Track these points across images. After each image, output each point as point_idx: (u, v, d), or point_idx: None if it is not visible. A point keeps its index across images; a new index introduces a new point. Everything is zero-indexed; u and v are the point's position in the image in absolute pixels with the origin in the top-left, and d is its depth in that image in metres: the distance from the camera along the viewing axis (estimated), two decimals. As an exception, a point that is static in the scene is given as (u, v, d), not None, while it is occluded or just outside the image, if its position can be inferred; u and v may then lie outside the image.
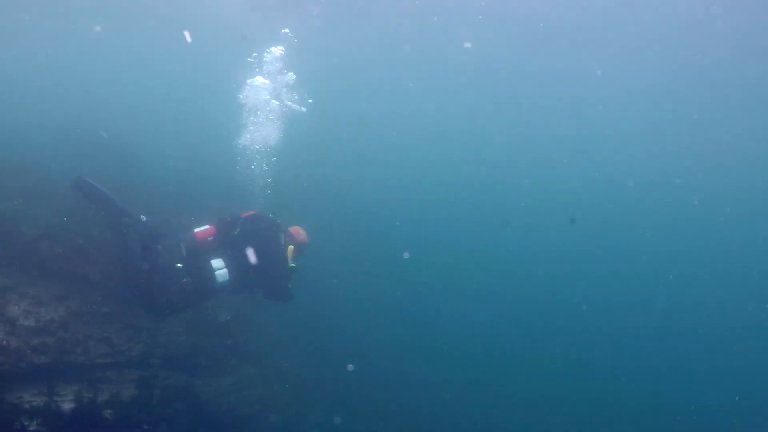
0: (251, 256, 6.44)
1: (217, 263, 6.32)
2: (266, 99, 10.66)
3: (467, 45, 19.19)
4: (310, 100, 11.37)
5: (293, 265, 6.88)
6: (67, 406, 6.33)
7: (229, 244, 6.50)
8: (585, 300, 18.00)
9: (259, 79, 10.76)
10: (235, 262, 6.40)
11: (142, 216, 6.41)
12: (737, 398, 15.30)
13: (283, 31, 11.71)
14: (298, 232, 7.23)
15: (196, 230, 6.69)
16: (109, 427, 6.64)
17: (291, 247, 6.91)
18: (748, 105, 21.95)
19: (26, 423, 5.85)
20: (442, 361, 14.91)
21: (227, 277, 6.34)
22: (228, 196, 11.79)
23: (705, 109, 22.59)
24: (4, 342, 6.13)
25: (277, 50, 10.80)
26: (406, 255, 14.03)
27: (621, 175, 23.76)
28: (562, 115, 24.68)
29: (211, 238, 6.54)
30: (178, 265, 6.52)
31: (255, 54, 10.99)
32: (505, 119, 25.01)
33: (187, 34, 17.37)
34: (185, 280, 6.39)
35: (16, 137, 11.45)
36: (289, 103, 11.02)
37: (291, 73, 10.96)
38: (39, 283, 7.32)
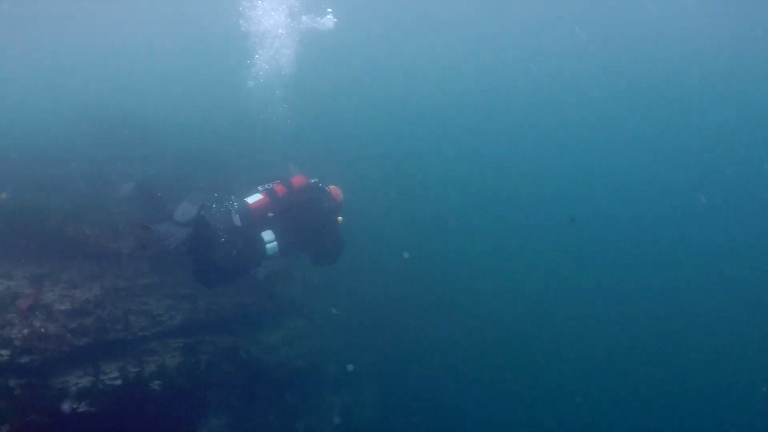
0: (305, 231, 6.66)
1: (268, 236, 6.41)
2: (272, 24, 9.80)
3: None
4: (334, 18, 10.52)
5: (341, 218, 7.12)
6: (113, 383, 6.35)
7: (281, 216, 6.59)
8: (585, 300, 18.15)
9: None
10: (287, 234, 6.50)
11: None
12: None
13: None
14: (338, 193, 7.22)
15: (249, 201, 6.65)
16: (160, 398, 6.66)
17: (340, 218, 7.09)
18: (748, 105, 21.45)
19: (75, 405, 5.88)
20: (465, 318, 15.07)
21: (276, 250, 6.46)
22: (252, 154, 11.65)
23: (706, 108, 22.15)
24: (43, 329, 6.13)
25: None
26: (405, 255, 13.76)
27: (621, 174, 23.39)
28: (563, 113, 24.22)
29: (264, 208, 6.58)
30: (226, 236, 6.49)
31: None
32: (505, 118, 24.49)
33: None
34: (234, 251, 6.37)
35: (33, 128, 11.42)
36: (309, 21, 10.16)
37: None
38: (71, 266, 7.32)
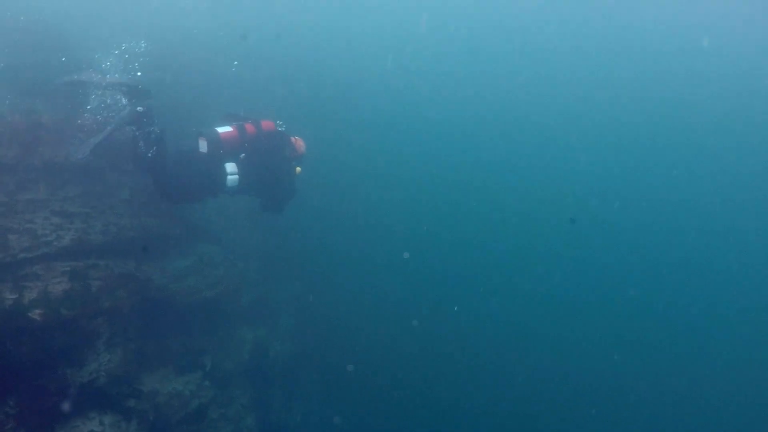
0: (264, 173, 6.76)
1: (230, 167, 6.50)
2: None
3: None
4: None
5: (299, 169, 7.24)
6: (-17, 311, 5.44)
7: (245, 153, 6.69)
8: (585, 300, 18.06)
9: None
10: (247, 171, 6.61)
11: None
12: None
13: None
14: (300, 144, 7.32)
15: (219, 130, 6.64)
16: (40, 329, 5.79)
17: (298, 169, 7.18)
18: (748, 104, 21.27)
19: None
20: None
21: (236, 183, 6.55)
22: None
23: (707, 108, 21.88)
24: None
25: None
26: (406, 255, 14.03)
27: (622, 173, 23.10)
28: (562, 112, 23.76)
29: (231, 141, 6.63)
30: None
31: None
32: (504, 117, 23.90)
33: None
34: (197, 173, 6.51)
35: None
36: None
37: None
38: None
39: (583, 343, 16.02)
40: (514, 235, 19.47)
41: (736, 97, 22.34)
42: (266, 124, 6.99)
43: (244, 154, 6.63)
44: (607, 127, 23.74)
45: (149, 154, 6.11)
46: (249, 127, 6.80)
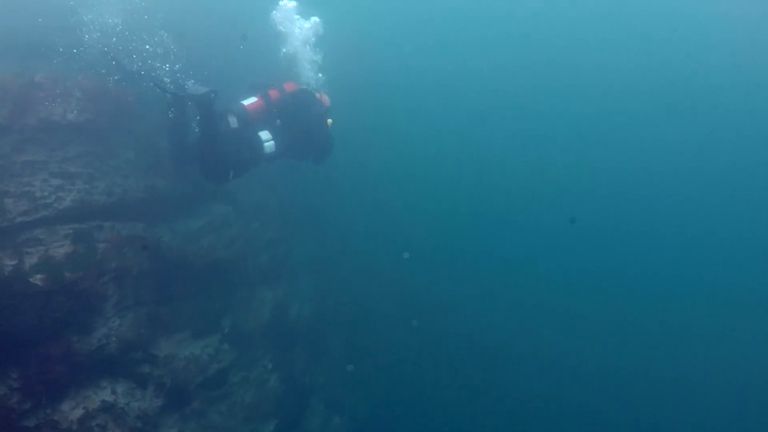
0: (298, 131, 6.99)
1: (265, 135, 6.64)
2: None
3: None
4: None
5: (330, 120, 7.46)
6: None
7: (276, 117, 6.89)
8: (585, 300, 17.84)
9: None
10: (282, 133, 6.78)
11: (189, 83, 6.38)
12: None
13: None
14: (325, 98, 7.53)
15: (245, 103, 6.79)
16: (43, 295, 5.45)
17: (330, 121, 7.40)
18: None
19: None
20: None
21: (274, 148, 6.69)
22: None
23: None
24: None
25: None
26: (406, 255, 13.76)
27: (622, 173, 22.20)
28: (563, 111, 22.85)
29: (259, 110, 6.79)
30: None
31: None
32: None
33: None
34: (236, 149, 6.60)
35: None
36: None
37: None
38: None
39: (583, 343, 16.03)
40: (514, 235, 19.44)
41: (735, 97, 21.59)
42: (289, 86, 7.16)
43: (279, 120, 6.84)
44: (607, 126, 23.13)
45: (208, 136, 6.17)
46: (273, 93, 6.97)
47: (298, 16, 8.50)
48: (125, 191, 7.37)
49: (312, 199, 12.64)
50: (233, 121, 6.55)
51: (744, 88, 21.04)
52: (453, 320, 14.61)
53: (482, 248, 18.02)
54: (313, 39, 8.47)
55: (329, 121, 7.44)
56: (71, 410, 5.65)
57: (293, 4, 8.51)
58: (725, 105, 21.66)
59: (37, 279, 5.45)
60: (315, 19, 8.54)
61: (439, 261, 15.81)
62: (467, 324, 14.73)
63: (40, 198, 6.17)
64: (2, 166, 6.25)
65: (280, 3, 8.50)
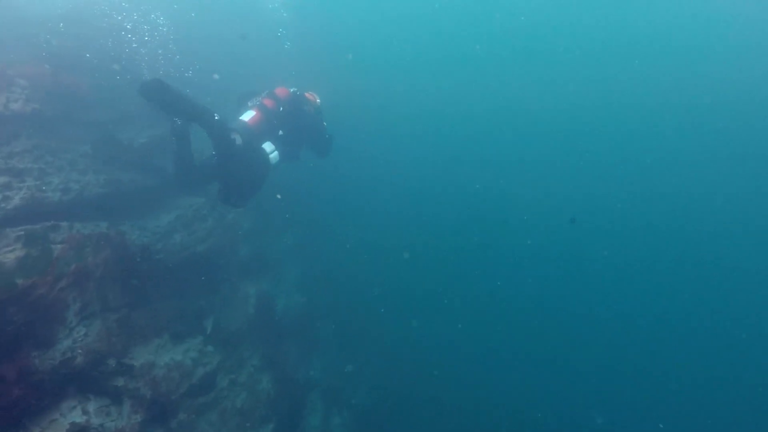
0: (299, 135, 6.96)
1: (268, 147, 6.49)
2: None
3: None
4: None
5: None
6: None
7: (277, 128, 6.72)
8: (586, 299, 17.77)
9: None
10: (284, 141, 6.69)
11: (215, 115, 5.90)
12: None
13: None
14: (314, 97, 7.45)
15: (245, 118, 6.59)
16: (-8, 306, 4.72)
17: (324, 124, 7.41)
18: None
19: None
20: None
21: (278, 158, 6.58)
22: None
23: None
24: None
25: None
26: (405, 255, 13.56)
27: (622, 173, 22.25)
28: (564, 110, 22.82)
29: (259, 123, 6.61)
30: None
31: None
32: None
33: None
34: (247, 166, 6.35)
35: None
36: None
37: None
38: None
39: (583, 343, 15.82)
40: (514, 235, 19.27)
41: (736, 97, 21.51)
42: (280, 92, 7.02)
43: (281, 131, 6.69)
44: (607, 126, 23.21)
45: (224, 159, 5.95)
46: (268, 102, 6.81)
47: None
48: (83, 187, 6.64)
49: (287, 184, 11.96)
50: (237, 139, 6.20)
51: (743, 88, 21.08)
52: (450, 314, 14.29)
53: (478, 244, 17.90)
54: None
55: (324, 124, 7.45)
56: (37, 437, 4.93)
57: None
58: (725, 105, 21.61)
59: (-16, 290, 4.71)
60: None
61: (429, 251, 15.47)
62: (467, 318, 14.37)
63: (-17, 199, 5.42)
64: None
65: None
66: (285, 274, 10.85)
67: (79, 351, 5.29)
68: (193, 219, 8.38)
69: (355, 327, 11.89)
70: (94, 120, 7.75)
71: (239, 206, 6.69)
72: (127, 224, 7.11)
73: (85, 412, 5.19)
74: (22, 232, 5.37)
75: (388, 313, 12.81)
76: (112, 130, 7.97)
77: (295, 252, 11.60)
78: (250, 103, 6.89)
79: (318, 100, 7.47)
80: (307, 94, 7.37)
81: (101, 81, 8.24)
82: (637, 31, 21.74)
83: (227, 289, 8.53)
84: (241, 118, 6.64)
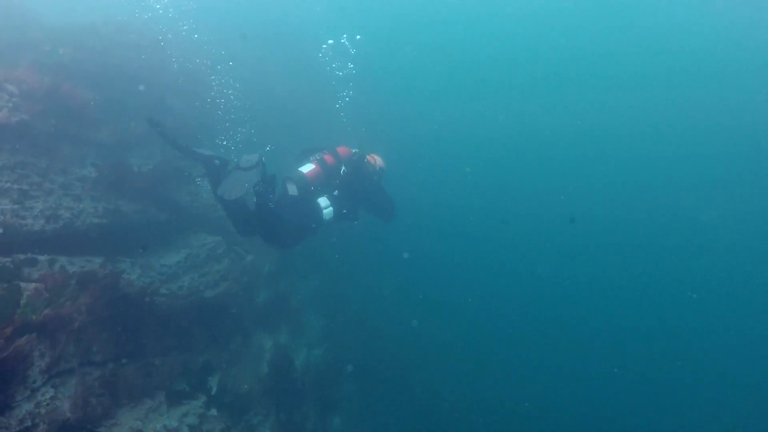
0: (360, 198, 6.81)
1: (324, 202, 6.44)
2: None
3: None
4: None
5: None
6: None
7: (334, 187, 6.69)
8: (586, 299, 17.96)
9: None
10: (340, 200, 6.59)
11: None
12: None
13: None
14: (378, 159, 7.32)
15: (303, 170, 6.59)
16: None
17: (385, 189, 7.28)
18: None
19: None
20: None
21: (332, 215, 6.48)
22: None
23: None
24: None
25: None
26: (405, 255, 13.14)
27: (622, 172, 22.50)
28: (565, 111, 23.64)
29: (317, 177, 6.61)
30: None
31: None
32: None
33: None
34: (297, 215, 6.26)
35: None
36: None
37: None
38: None
39: (582, 343, 15.72)
40: (515, 235, 19.42)
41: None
42: (342, 150, 7.00)
43: (337, 191, 6.63)
44: (607, 126, 23.52)
45: (270, 205, 5.79)
46: (328, 158, 6.81)
47: None
48: (75, 216, 5.69)
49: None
50: (292, 189, 6.39)
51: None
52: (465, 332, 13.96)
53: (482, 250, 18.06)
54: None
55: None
56: None
57: None
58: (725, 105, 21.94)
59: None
60: None
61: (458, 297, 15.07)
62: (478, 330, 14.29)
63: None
64: None
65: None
66: (306, 323, 9.76)
67: (43, 418, 4.21)
68: (207, 259, 7.40)
69: (382, 383, 10.80)
70: (99, 140, 6.86)
71: (284, 249, 6.83)
72: (127, 261, 6.13)
73: (40, 501, 4.07)
74: (-6, 266, 4.40)
75: (416, 362, 12.00)
76: (118, 151, 7.08)
77: (320, 298, 10.53)
78: (311, 157, 6.85)
79: (380, 163, 7.29)
80: (368, 157, 7.19)
81: (112, 97, 7.42)
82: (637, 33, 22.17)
83: (239, 341, 7.45)
84: (299, 169, 6.60)
